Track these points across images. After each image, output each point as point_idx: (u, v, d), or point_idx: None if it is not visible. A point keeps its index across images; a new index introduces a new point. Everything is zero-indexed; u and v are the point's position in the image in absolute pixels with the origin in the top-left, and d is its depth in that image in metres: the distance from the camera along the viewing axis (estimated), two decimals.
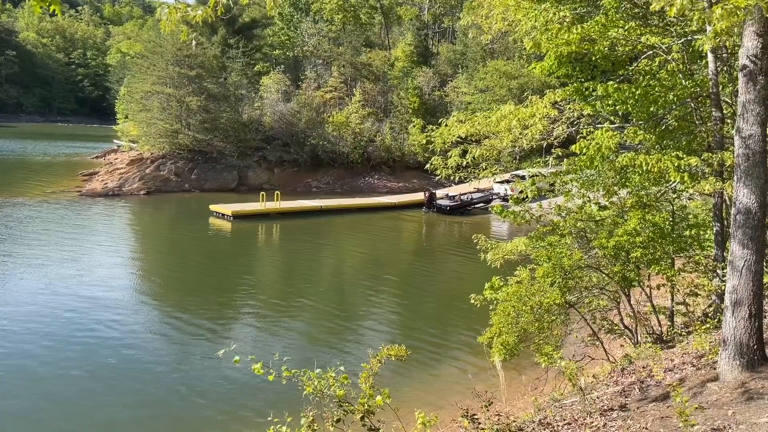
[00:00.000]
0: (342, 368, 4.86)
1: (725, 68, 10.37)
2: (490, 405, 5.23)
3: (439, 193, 39.68)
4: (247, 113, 48.95)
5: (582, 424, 6.09)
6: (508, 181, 36.86)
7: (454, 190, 40.35)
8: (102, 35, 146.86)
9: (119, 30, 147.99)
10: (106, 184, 41.04)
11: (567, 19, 9.07)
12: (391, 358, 5.31)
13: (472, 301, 11.13)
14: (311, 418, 4.68)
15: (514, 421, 5.76)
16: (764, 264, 6.53)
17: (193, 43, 43.35)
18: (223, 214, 32.90)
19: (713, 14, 4.90)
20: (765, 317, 6.61)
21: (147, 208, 36.99)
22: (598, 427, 5.90)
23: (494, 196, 39.06)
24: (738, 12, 4.84)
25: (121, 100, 66.42)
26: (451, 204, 37.86)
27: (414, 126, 46.87)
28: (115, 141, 65.27)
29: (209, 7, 4.13)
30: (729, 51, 10.22)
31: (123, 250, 26.29)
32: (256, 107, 49.92)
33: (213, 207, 33.76)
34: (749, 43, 6.14)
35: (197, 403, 12.35)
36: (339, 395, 4.66)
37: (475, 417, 4.91)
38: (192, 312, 17.92)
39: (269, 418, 4.88)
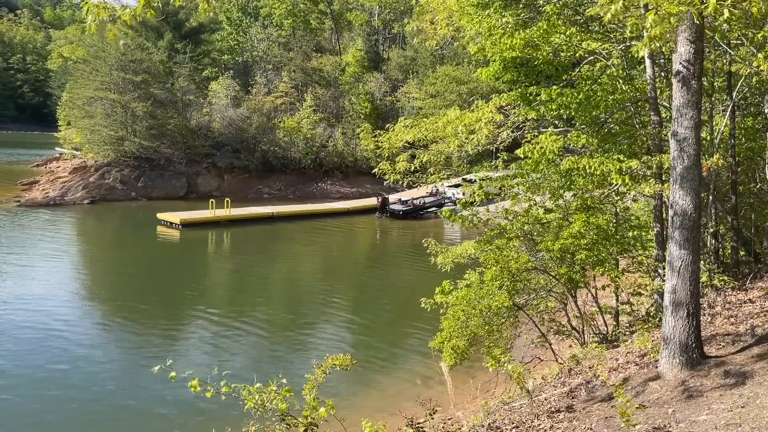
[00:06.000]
0: (284, 381, 4.73)
1: (662, 73, 10.69)
2: (434, 413, 5.18)
3: (392, 197, 39.73)
4: (195, 119, 47.97)
5: (530, 427, 6.11)
6: (460, 185, 37.19)
7: (406, 195, 40.47)
8: (42, 39, 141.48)
9: (60, 34, 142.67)
10: (47, 193, 39.47)
11: (510, 25, 9.17)
12: (336, 368, 5.21)
13: (423, 305, 11.10)
14: None
15: (461, 428, 5.73)
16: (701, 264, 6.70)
17: (121, 42, 42.14)
18: (171, 223, 32.08)
19: (647, 20, 4.99)
20: (702, 316, 6.78)
21: (91, 217, 35.74)
22: (545, 429, 5.94)
23: (447, 201, 39.35)
24: (670, 18, 4.94)
25: (62, 107, 64.07)
26: (404, 209, 37.94)
27: (363, 131, 46.87)
28: (57, 149, 62.95)
29: (138, 8, 3.96)
30: (666, 56, 10.53)
31: (65, 262, 25.25)
32: (205, 113, 49.00)
33: (161, 215, 32.88)
34: (682, 49, 6.30)
35: (133, 420, 11.85)
36: (281, 409, 4.54)
37: (420, 426, 4.84)
38: (137, 324, 17.35)
39: None
